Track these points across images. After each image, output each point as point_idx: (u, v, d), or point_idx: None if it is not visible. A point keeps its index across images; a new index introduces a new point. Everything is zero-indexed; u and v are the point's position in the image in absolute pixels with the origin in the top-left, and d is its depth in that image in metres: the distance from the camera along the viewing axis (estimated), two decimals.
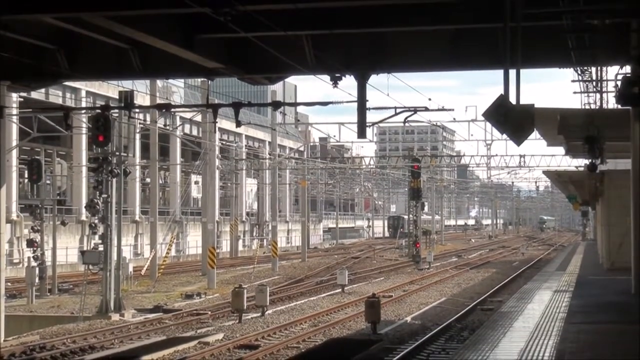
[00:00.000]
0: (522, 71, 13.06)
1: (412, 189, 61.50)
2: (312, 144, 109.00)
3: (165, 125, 56.50)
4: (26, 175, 41.33)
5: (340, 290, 35.60)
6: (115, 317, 27.79)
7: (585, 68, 23.75)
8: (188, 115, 53.95)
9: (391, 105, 21.34)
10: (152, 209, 46.22)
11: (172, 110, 42.70)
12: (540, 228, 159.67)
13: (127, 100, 27.48)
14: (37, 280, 33.15)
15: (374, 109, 20.30)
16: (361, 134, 18.31)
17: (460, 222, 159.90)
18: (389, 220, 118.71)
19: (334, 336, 23.40)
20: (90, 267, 29.35)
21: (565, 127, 23.14)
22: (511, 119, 12.72)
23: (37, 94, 44.98)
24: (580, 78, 26.40)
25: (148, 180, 61.92)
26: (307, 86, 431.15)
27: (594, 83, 27.45)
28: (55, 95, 49.24)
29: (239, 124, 20.04)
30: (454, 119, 52.27)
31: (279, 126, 59.83)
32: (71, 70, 18.41)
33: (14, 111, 37.25)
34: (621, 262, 29.55)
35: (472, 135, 73.34)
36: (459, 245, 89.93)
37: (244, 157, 71.81)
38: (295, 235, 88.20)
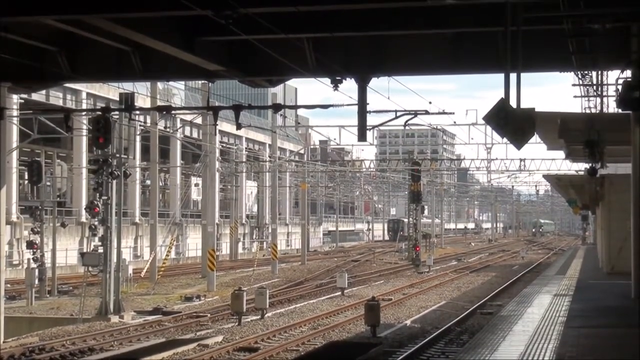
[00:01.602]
0: (523, 75, 13.07)
1: (412, 192, 61.48)
2: (312, 146, 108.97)
3: (165, 127, 56.47)
4: (26, 177, 41.35)
5: (340, 293, 35.58)
6: (115, 319, 27.77)
7: (586, 72, 23.77)
8: (188, 117, 53.99)
9: (392, 108, 21.28)
10: (152, 211, 46.21)
11: (173, 112, 42.64)
12: (536, 233, 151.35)
13: (127, 102, 27.47)
14: (36, 281, 33.15)
15: (374, 112, 20.29)
16: (361, 137, 18.31)
17: (460, 225, 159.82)
18: (388, 223, 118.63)
19: (334, 339, 23.39)
20: (90, 269, 29.35)
21: (565, 131, 23.16)
22: (512, 122, 12.73)
23: (38, 96, 45.01)
24: (580, 82, 26.44)
25: (148, 182, 61.91)
26: (308, 89, 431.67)
27: (594, 87, 27.48)
28: (55, 97, 49.26)
29: (239, 126, 20.07)
30: (455, 122, 52.28)
31: (279, 129, 59.88)
32: (72, 72, 18.43)
33: (15, 113, 37.28)
34: (621, 267, 29.53)
35: (472, 138, 73.57)
36: (458, 248, 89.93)
37: (244, 160, 71.82)
38: (295, 238, 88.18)
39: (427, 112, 22.16)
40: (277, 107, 22.72)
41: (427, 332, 24.05)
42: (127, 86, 36.47)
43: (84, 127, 42.96)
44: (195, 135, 63.06)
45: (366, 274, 48.37)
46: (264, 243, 71.89)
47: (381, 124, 23.61)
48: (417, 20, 15.67)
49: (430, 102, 62.82)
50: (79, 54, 18.31)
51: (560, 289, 27.05)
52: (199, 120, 51.30)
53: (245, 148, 76.76)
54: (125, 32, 14.89)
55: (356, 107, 18.20)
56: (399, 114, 21.12)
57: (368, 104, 18.07)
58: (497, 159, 65.50)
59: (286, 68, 17.52)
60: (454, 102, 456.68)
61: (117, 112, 28.85)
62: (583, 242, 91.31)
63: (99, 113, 23.46)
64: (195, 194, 68.58)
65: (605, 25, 15.02)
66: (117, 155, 29.02)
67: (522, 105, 12.90)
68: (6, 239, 43.25)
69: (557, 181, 48.98)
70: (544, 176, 54.96)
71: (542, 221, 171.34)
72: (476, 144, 67.30)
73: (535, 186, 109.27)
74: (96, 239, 29.26)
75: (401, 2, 14.80)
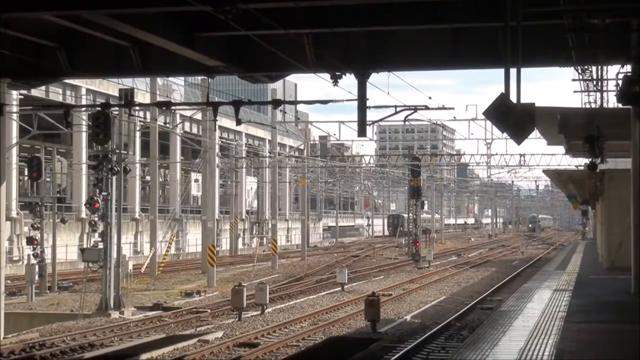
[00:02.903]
0: (523, 70, 13.04)
1: (412, 187, 61.53)
2: (312, 142, 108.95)
3: (165, 123, 56.47)
4: (26, 173, 41.33)
5: (339, 288, 35.60)
6: (115, 314, 27.79)
7: (586, 67, 23.77)
8: (188, 113, 53.91)
9: (391, 103, 21.28)
10: (152, 206, 46.23)
11: (172, 108, 42.64)
12: (532, 229, 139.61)
13: (127, 98, 27.50)
14: (36, 277, 33.14)
15: (374, 107, 20.28)
16: (361, 132, 18.29)
17: (460, 220, 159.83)
18: (388, 218, 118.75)
19: (334, 334, 23.40)
20: (90, 264, 29.35)
21: (565, 126, 23.15)
22: (512, 117, 12.71)
23: (37, 92, 44.96)
24: (580, 77, 26.43)
25: (148, 178, 61.94)
26: (307, 85, 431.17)
27: (594, 82, 27.48)
28: (55, 93, 49.20)
29: (239, 122, 20.03)
30: (454, 117, 52.33)
31: (279, 124, 59.83)
32: (71, 67, 18.42)
33: (14, 109, 37.24)
34: (621, 262, 29.55)
35: (472, 134, 73.39)
36: (458, 244, 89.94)
37: (244, 155, 71.81)
38: (295, 233, 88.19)
39: (426, 108, 22.13)
40: (276, 103, 22.64)
41: (427, 327, 24.06)
42: (127, 82, 36.43)
43: (84, 123, 42.95)
44: (195, 131, 63.00)
45: (366, 270, 48.39)
46: (264, 239, 71.91)
47: (381, 120, 23.60)
48: (417, 15, 15.66)
49: (430, 98, 62.17)
50: (78, 50, 18.29)
51: (560, 284, 27.08)
52: (198, 116, 51.20)
53: (245, 144, 76.71)
54: (125, 28, 14.87)
55: (356, 103, 18.19)
56: (398, 109, 21.12)
57: (368, 99, 18.06)
58: (497, 154, 65.24)
59: (286, 64, 17.50)
60: (453, 97, 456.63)
61: (116, 108, 28.86)
62: (583, 237, 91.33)
63: (99, 109, 23.48)
64: (195, 190, 68.56)
65: (605, 20, 15.01)
66: (117, 151, 29.00)
67: (522, 101, 12.88)
68: (6, 235, 43.24)
69: (557, 176, 49.05)
70: (544, 171, 55.01)
71: (539, 216, 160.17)
72: (476, 139, 67.20)
73: (535, 181, 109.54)
74: (96, 234, 29.26)
75: None
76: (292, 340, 21.98)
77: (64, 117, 21.83)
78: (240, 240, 71.93)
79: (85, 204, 32.95)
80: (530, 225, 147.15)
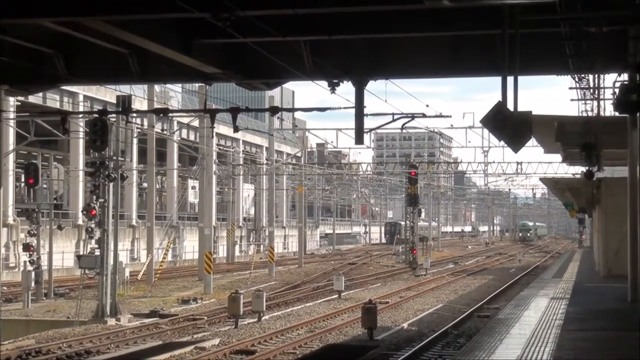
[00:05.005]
0: (521, 77, 13.08)
1: (409, 195, 61.58)
2: (309, 149, 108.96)
3: (162, 130, 56.50)
4: (23, 179, 41.33)
5: (336, 296, 35.59)
6: (112, 321, 27.75)
7: (583, 75, 23.79)
8: (185, 120, 53.99)
9: (389, 111, 21.29)
10: (149, 213, 46.19)
11: (170, 115, 42.70)
12: (523, 238, 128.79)
13: (124, 105, 27.49)
14: (33, 284, 33.11)
15: (371, 115, 20.27)
16: (358, 140, 18.29)
17: (457, 228, 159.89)
18: (385, 226, 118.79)
19: (331, 342, 23.38)
20: (87, 271, 29.33)
21: (562, 134, 23.20)
22: (509, 125, 12.74)
23: (35, 98, 44.97)
24: (577, 85, 26.44)
25: (145, 185, 61.88)
26: (305, 92, 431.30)
27: (591, 90, 27.51)
28: (52, 100, 49.23)
29: (236, 129, 20.04)
30: (452, 125, 52.39)
31: (277, 132, 59.88)
32: (69, 74, 18.40)
33: (12, 115, 37.27)
34: (617, 270, 29.55)
35: (469, 142, 73.52)
36: (455, 251, 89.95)
37: (241, 163, 71.80)
38: (292, 240, 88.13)
39: (424, 115, 22.14)
40: (274, 110, 22.62)
41: (424, 335, 24.05)
42: (124, 89, 36.50)
43: (81, 129, 42.96)
44: (192, 137, 63.04)
45: (363, 277, 48.37)
46: (261, 246, 71.87)
47: (378, 127, 23.56)
48: (415, 23, 15.66)
49: (427, 105, 62.05)
50: (76, 57, 18.28)
51: (557, 292, 27.06)
52: (196, 123, 51.28)
53: (243, 151, 76.75)
54: (123, 35, 14.87)
55: (353, 110, 18.18)
56: (396, 117, 21.10)
57: (365, 106, 18.05)
58: (494, 162, 65.54)
59: (283, 71, 17.50)
60: (451, 105, 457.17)
61: (114, 115, 28.87)
62: (580, 245, 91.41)
63: (96, 115, 23.47)
64: (192, 197, 68.53)
65: (602, 29, 15.04)
66: (114, 157, 29.01)
67: (519, 108, 12.91)
68: (3, 241, 43.26)
69: (554, 184, 49.04)
70: (541, 179, 55.13)
71: (532, 224, 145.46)
72: (473, 147, 67.35)
73: (532, 189, 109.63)
74: (93, 241, 29.24)
75: (399, 4, 14.78)
76: (289, 348, 21.96)
77: (61, 124, 21.81)
78: (237, 247, 71.89)
79: (82, 211, 33.00)
80: (520, 234, 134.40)
